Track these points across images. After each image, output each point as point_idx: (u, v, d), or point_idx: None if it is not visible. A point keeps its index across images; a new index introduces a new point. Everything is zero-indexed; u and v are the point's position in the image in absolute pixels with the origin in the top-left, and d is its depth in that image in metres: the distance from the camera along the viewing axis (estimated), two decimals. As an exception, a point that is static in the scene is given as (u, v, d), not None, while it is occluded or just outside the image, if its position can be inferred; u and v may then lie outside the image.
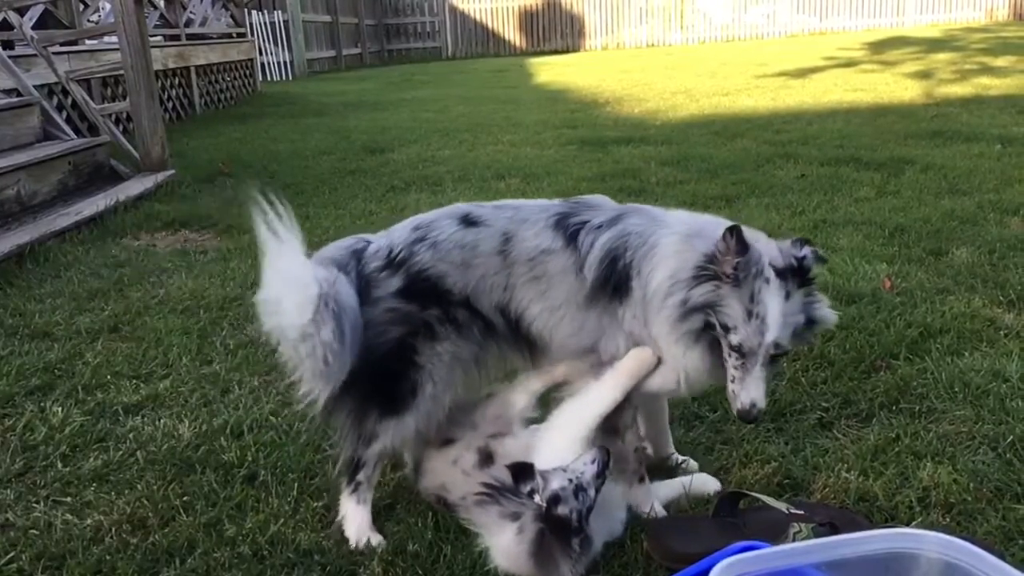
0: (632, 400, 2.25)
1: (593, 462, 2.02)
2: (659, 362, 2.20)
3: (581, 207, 2.31)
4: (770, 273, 2.02)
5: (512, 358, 2.39)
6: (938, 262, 4.05)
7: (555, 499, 1.94)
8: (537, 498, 1.96)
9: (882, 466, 2.41)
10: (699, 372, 2.15)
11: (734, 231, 2.00)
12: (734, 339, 2.03)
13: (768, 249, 2.06)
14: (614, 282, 2.17)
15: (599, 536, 2.06)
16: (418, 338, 2.23)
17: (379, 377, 2.23)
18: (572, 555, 1.93)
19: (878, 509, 2.24)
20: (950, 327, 3.28)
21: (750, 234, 2.06)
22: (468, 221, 2.31)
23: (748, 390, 2.06)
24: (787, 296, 2.02)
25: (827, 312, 2.13)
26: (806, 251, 2.05)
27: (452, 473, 2.25)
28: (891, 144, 7.00)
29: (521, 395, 2.39)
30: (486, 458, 2.23)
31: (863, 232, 4.57)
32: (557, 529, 1.93)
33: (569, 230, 2.23)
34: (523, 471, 2.00)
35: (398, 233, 2.38)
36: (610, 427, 2.24)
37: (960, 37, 16.87)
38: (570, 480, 1.98)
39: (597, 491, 2.01)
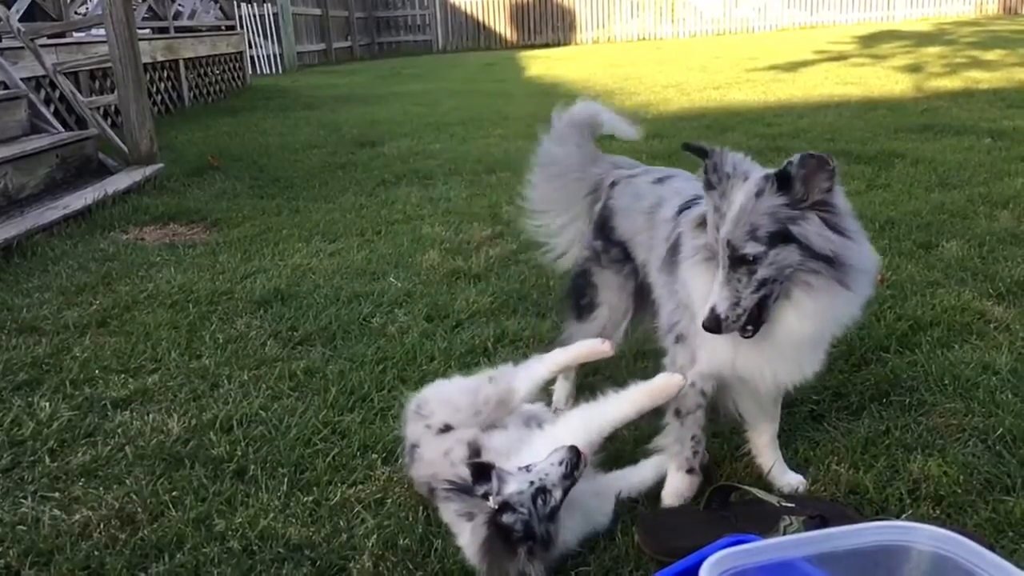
0: (698, 385, 2.25)
1: (561, 463, 2.00)
2: (687, 385, 2.24)
3: None
4: (742, 172, 1.97)
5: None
6: (928, 255, 4.06)
7: (503, 506, 1.93)
8: (490, 501, 1.96)
9: (872, 459, 2.42)
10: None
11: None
12: (705, 240, 2.03)
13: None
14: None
15: (573, 532, 2.06)
16: (591, 263, 2.70)
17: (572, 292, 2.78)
18: (518, 561, 1.92)
19: (868, 501, 2.25)
20: (940, 320, 3.29)
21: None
22: (659, 180, 2.59)
23: (711, 295, 1.98)
24: (756, 195, 1.91)
25: (812, 232, 1.90)
26: (796, 156, 1.88)
27: (443, 464, 2.24)
28: (881, 137, 7.01)
29: (524, 383, 2.41)
30: (475, 453, 2.22)
31: (854, 225, 4.57)
32: (502, 536, 1.92)
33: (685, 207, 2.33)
34: (481, 471, 2.00)
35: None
36: (674, 409, 2.28)
37: (950, 31, 16.92)
38: (531, 483, 1.97)
39: (565, 492, 1.99)
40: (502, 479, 1.98)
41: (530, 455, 2.10)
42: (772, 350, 2.07)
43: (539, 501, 1.95)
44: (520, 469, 2.02)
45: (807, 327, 2.02)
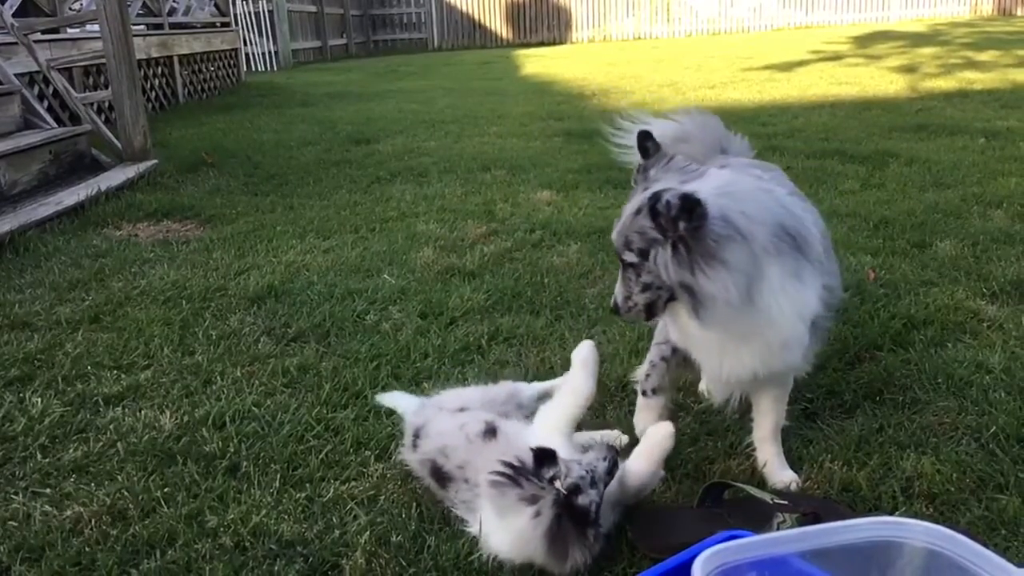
0: (662, 347, 2.45)
1: (605, 459, 2.04)
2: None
3: None
4: (651, 182, 2.09)
5: None
6: (922, 254, 4.07)
7: (576, 488, 1.94)
8: (558, 484, 1.95)
9: (866, 456, 2.42)
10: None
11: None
12: None
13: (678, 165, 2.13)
14: None
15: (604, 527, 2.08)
16: None
17: None
18: (586, 544, 1.93)
19: (861, 499, 2.25)
20: (934, 319, 3.30)
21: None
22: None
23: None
24: (636, 212, 2.00)
25: (663, 261, 1.97)
26: (670, 194, 1.90)
27: (457, 437, 2.25)
28: (876, 137, 7.03)
29: (528, 388, 2.58)
30: (490, 431, 2.24)
31: (848, 224, 4.59)
32: (576, 518, 1.93)
33: None
34: (545, 456, 1.99)
35: None
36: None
37: (945, 32, 16.96)
38: (587, 472, 1.98)
39: (605, 487, 2.02)
40: (568, 465, 1.99)
41: (534, 441, 2.12)
42: (712, 339, 2.14)
43: (595, 490, 1.98)
44: (572, 460, 2.03)
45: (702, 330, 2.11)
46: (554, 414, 2.29)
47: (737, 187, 2.05)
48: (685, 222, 1.90)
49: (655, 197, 1.93)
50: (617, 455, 2.08)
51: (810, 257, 2.07)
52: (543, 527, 1.92)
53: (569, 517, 1.92)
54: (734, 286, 1.94)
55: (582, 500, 1.93)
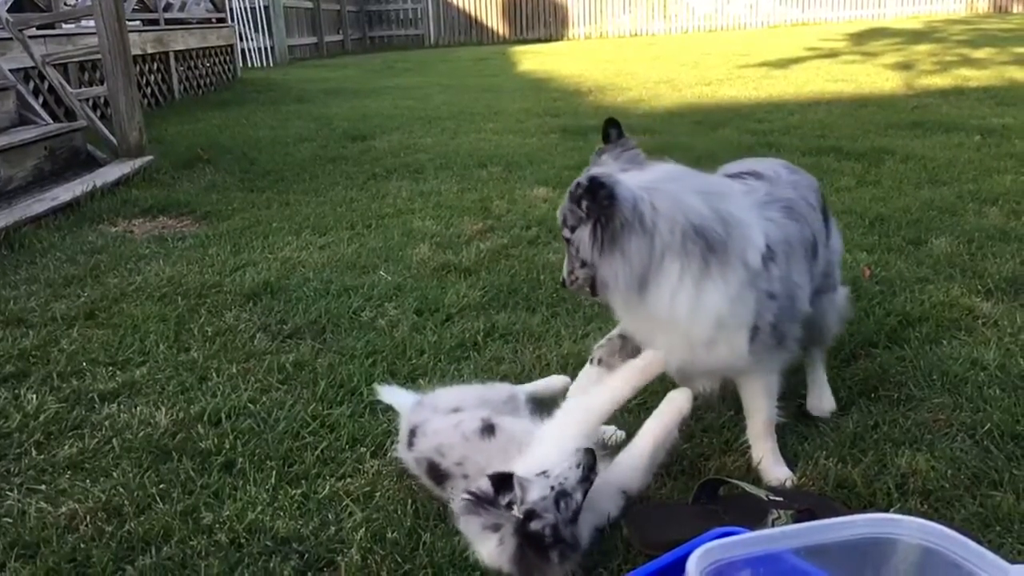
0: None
1: (578, 466, 2.01)
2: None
3: None
4: (594, 164, 2.25)
5: None
6: (917, 251, 4.07)
7: (530, 514, 1.92)
8: (515, 510, 1.94)
9: (860, 453, 2.42)
10: None
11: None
12: None
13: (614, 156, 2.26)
14: None
15: (587, 528, 2.05)
16: None
17: None
18: (552, 566, 1.91)
19: (856, 496, 2.25)
20: (929, 316, 3.30)
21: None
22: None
23: None
24: (569, 192, 2.10)
25: (577, 239, 2.11)
26: (583, 177, 2.05)
27: (452, 435, 2.25)
28: (872, 134, 7.03)
29: (523, 388, 2.57)
30: (488, 428, 2.23)
31: (843, 221, 4.58)
32: (532, 544, 1.91)
33: None
34: (502, 481, 1.98)
35: None
36: None
37: (941, 29, 16.97)
38: (552, 488, 1.96)
39: (584, 494, 1.99)
40: (524, 487, 1.96)
41: (538, 446, 2.12)
42: (641, 326, 2.26)
43: (562, 504, 1.94)
44: (538, 475, 2.01)
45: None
46: (584, 414, 2.26)
47: (664, 184, 2.10)
48: (588, 202, 2.02)
49: (575, 185, 2.07)
50: (594, 458, 2.03)
51: (730, 262, 2.08)
52: (507, 554, 1.92)
53: (527, 544, 1.91)
54: (623, 275, 2.05)
55: (535, 526, 1.91)
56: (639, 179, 2.08)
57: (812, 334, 2.51)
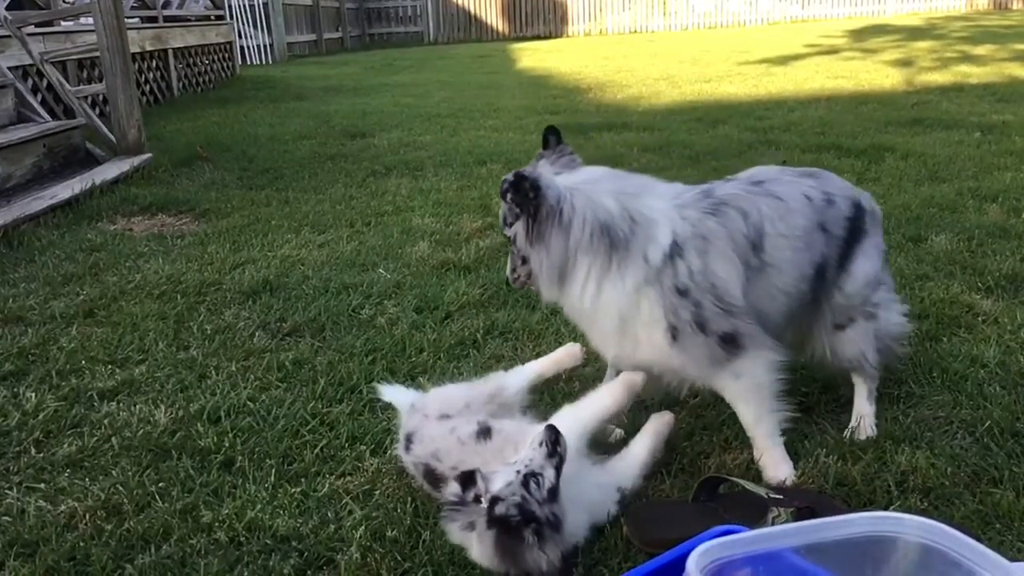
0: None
1: (540, 444, 2.01)
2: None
3: None
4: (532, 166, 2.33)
5: None
6: (918, 248, 4.07)
7: (494, 501, 1.93)
8: (482, 502, 1.95)
9: (860, 451, 2.42)
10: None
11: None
12: None
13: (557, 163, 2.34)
14: None
15: (580, 525, 2.05)
16: None
17: None
18: (530, 546, 1.90)
19: (856, 494, 2.25)
20: (929, 313, 3.30)
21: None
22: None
23: None
24: (503, 192, 2.19)
25: (514, 234, 2.22)
26: (510, 175, 2.15)
27: (448, 440, 2.25)
28: (872, 131, 7.02)
29: (514, 378, 2.53)
30: (484, 432, 2.23)
31: (843, 219, 4.58)
32: (503, 529, 1.91)
33: None
34: (467, 479, 1.99)
35: None
36: None
37: (941, 25, 16.96)
38: (517, 472, 1.97)
39: (557, 470, 1.98)
40: (487, 479, 1.98)
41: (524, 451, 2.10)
42: (579, 318, 2.34)
43: (532, 485, 1.95)
44: (504, 465, 2.02)
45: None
46: (574, 417, 2.27)
47: (585, 184, 2.22)
48: (513, 195, 2.14)
49: (503, 182, 2.18)
50: (556, 434, 2.02)
51: (630, 258, 2.17)
52: (489, 546, 1.93)
53: (499, 530, 1.91)
54: (546, 268, 2.20)
55: (499, 510, 1.92)
56: (566, 180, 2.22)
57: (840, 363, 2.57)
